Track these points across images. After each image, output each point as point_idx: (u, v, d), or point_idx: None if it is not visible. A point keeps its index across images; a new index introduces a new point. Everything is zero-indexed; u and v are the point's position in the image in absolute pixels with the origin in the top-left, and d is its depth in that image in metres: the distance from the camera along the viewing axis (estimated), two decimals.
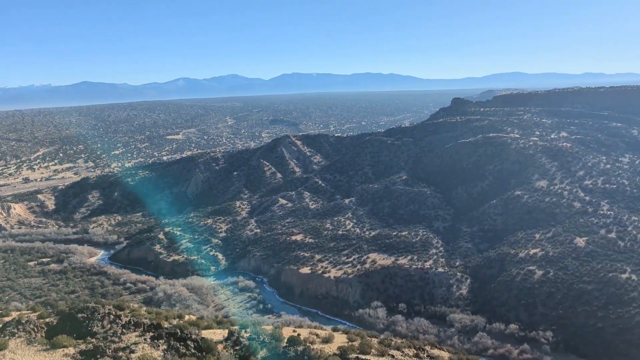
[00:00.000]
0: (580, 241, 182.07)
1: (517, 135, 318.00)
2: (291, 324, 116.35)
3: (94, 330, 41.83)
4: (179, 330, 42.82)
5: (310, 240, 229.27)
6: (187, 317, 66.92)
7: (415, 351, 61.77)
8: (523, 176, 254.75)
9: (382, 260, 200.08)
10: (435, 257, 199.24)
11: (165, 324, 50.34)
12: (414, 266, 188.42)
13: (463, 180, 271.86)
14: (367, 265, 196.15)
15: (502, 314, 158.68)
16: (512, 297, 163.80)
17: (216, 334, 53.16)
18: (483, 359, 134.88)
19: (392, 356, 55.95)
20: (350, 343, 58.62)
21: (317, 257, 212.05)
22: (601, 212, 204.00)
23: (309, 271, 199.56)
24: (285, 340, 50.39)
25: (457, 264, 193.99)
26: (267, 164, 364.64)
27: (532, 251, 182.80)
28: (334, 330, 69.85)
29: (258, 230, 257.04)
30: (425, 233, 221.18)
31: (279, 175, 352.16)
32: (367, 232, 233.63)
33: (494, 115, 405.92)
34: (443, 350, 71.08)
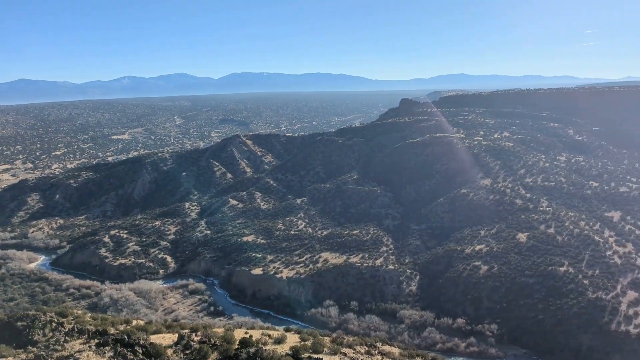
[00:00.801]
0: (522, 237, 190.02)
1: (462, 135, 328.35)
2: (243, 326, 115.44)
3: (34, 339, 40.08)
4: (126, 336, 41.64)
5: (262, 241, 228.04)
6: (134, 323, 65.13)
7: (366, 348, 62.71)
8: (468, 175, 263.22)
9: (334, 259, 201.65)
10: (385, 254, 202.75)
11: (112, 330, 48.79)
12: (365, 264, 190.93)
13: (412, 179, 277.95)
14: (319, 265, 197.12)
15: (450, 309, 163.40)
16: (459, 292, 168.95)
17: (165, 339, 52.02)
18: (432, 354, 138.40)
19: (345, 354, 56.56)
20: (302, 343, 58.81)
21: (269, 257, 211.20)
22: (541, 208, 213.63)
23: (261, 272, 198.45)
24: (237, 342, 49.96)
25: (407, 261, 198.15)
26: (217, 164, 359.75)
27: (478, 247, 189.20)
28: (287, 330, 69.85)
29: (208, 232, 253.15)
30: (376, 231, 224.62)
31: (229, 175, 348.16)
32: (319, 232, 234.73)
33: (440, 115, 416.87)
34: (394, 346, 72.52)
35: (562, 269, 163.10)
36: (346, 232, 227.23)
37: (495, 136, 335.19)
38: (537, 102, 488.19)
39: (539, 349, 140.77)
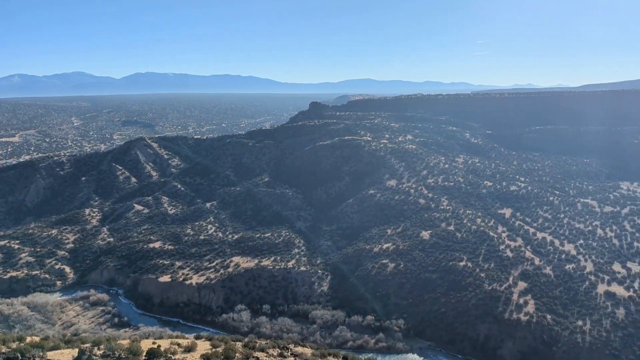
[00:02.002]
0: (425, 234, 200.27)
1: (369, 138, 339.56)
2: (151, 336, 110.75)
3: None
4: (19, 354, 38.58)
5: (170, 247, 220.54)
6: (29, 339, 60.32)
7: (279, 351, 62.91)
8: (376, 176, 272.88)
9: (246, 263, 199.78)
10: (297, 256, 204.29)
11: (3, 349, 44.96)
12: (277, 267, 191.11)
13: (322, 181, 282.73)
14: (230, 269, 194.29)
15: (360, 307, 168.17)
16: (369, 290, 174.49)
17: (64, 355, 48.86)
18: (343, 352, 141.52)
19: (257, 358, 56.37)
20: (214, 349, 57.75)
21: (178, 264, 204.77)
22: (442, 207, 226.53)
23: (169, 279, 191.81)
24: (145, 353, 48.11)
25: (319, 261, 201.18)
26: (120, 168, 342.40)
27: (385, 245, 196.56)
28: (197, 337, 68.20)
29: (111, 239, 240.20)
30: (288, 233, 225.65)
31: (133, 179, 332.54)
32: (230, 236, 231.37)
33: (348, 119, 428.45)
34: (306, 347, 73.34)
35: (462, 263, 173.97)
36: (258, 235, 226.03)
37: (400, 139, 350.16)
38: (437, 107, 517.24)
39: (442, 340, 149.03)
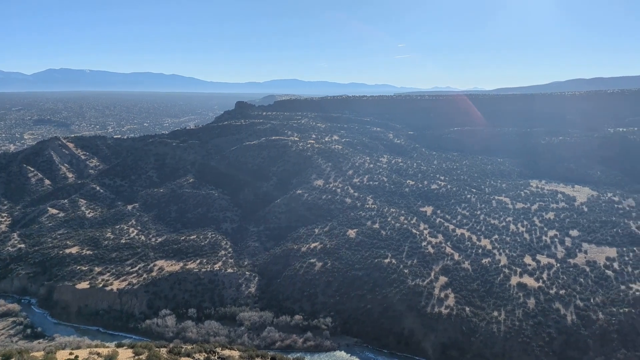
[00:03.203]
0: (352, 233, 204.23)
1: (296, 138, 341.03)
2: (67, 346, 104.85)
3: None
4: None
5: (89, 252, 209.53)
6: None
7: (206, 355, 61.87)
8: (303, 176, 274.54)
9: (170, 266, 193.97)
10: (224, 258, 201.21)
11: None
12: (203, 269, 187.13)
13: (250, 181, 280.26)
14: (154, 274, 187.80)
15: (288, 307, 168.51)
16: (297, 289, 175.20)
17: None
18: (271, 353, 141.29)
19: None
20: (137, 357, 55.80)
21: (97, 269, 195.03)
22: (367, 206, 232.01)
23: (88, 286, 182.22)
24: None
25: (246, 263, 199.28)
26: (32, 169, 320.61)
27: (313, 245, 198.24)
28: (119, 346, 65.50)
29: (22, 246, 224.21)
30: (214, 235, 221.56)
31: (47, 182, 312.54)
32: (153, 239, 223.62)
33: (275, 119, 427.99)
34: (234, 349, 72.61)
35: (387, 260, 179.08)
36: (183, 237, 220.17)
37: (326, 139, 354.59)
38: (362, 108, 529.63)
39: (368, 336, 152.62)
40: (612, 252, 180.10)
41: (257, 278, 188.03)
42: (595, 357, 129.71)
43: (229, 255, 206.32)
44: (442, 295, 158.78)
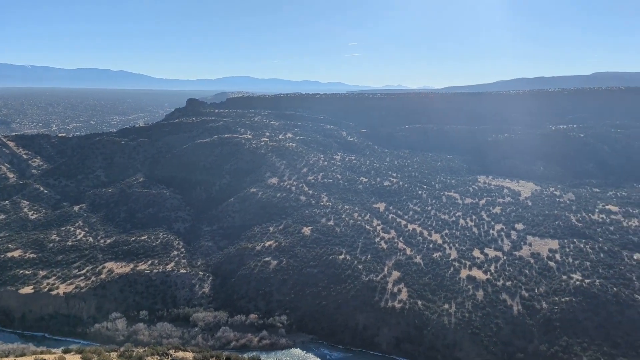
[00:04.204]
0: (307, 230, 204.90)
1: (250, 136, 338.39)
2: (11, 354, 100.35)
3: None
4: None
5: (32, 255, 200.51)
6: None
7: (158, 357, 60.76)
8: (257, 174, 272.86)
9: (120, 268, 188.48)
10: (177, 259, 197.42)
11: None
12: (155, 270, 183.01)
13: (202, 180, 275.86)
14: (102, 276, 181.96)
15: (243, 306, 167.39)
16: (252, 288, 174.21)
17: None
18: (226, 353, 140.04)
19: None
20: None
21: (42, 273, 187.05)
22: (322, 203, 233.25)
23: (32, 290, 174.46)
24: None
25: (199, 263, 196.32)
26: None
27: (268, 243, 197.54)
28: (66, 351, 63.38)
29: None
30: (166, 235, 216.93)
31: None
32: (101, 240, 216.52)
33: (228, 116, 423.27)
34: (187, 351, 71.58)
35: (341, 257, 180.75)
36: (133, 238, 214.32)
37: (280, 137, 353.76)
38: (316, 106, 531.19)
39: (323, 333, 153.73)
40: (554, 244, 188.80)
41: (211, 278, 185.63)
42: (540, 345, 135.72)
43: (182, 255, 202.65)
44: (395, 289, 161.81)
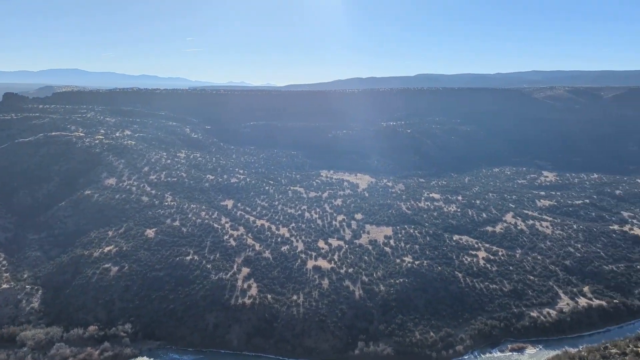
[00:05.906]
0: (151, 232, 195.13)
1: (82, 134, 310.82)
2: None
3: None
4: None
5: None
6: None
7: None
8: (92, 175, 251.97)
9: None
10: None
11: None
12: None
13: (26, 183, 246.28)
14: None
15: (82, 318, 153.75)
16: (90, 298, 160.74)
17: None
18: None
19: None
20: None
21: None
22: (166, 203, 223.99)
23: None
24: None
25: (26, 276, 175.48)
26: None
27: (107, 249, 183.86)
28: None
29: None
30: None
31: None
32: None
33: (55, 112, 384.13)
34: None
35: (189, 257, 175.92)
36: None
37: (117, 135, 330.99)
38: (156, 101, 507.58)
39: (172, 337, 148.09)
40: (388, 230, 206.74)
41: (40, 291, 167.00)
42: (379, 325, 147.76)
43: (4, 268, 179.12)
44: (245, 286, 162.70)
